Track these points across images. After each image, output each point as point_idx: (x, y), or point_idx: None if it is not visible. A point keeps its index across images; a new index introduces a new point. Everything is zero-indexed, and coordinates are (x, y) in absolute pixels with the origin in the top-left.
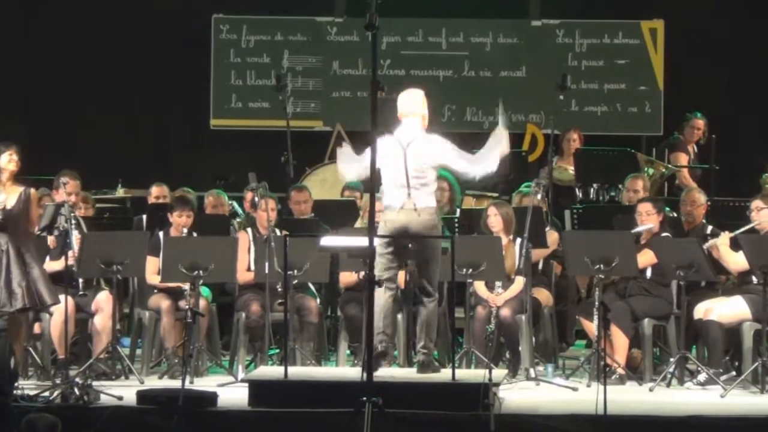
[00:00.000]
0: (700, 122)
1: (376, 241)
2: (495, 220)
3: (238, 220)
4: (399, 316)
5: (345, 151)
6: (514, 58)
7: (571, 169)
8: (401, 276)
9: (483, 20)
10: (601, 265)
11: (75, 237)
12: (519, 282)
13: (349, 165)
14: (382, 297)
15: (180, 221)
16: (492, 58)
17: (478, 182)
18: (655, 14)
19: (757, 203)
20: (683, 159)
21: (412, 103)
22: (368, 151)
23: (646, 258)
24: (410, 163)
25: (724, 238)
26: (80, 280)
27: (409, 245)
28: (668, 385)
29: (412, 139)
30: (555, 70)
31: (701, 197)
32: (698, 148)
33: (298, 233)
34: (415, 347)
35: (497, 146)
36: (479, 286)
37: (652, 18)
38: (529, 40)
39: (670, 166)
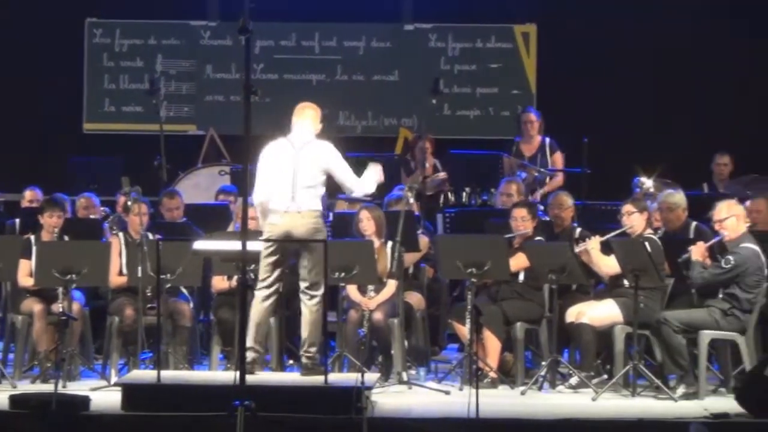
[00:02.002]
0: (528, 116)
1: (260, 246)
2: (367, 224)
3: (108, 221)
4: (272, 320)
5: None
6: (386, 62)
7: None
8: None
9: (356, 24)
10: (474, 269)
11: None
12: (391, 285)
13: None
14: (258, 305)
15: (51, 222)
16: (365, 62)
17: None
18: (528, 18)
19: (627, 207)
20: (506, 162)
21: (310, 109)
22: (258, 169)
23: (518, 261)
24: (300, 166)
25: (595, 242)
26: None
27: (295, 249)
28: (540, 388)
29: (305, 143)
30: (428, 74)
31: (568, 200)
32: (550, 141)
33: (170, 237)
34: (298, 350)
35: (374, 175)
36: (351, 290)
37: (525, 22)
38: (402, 44)
39: (542, 170)
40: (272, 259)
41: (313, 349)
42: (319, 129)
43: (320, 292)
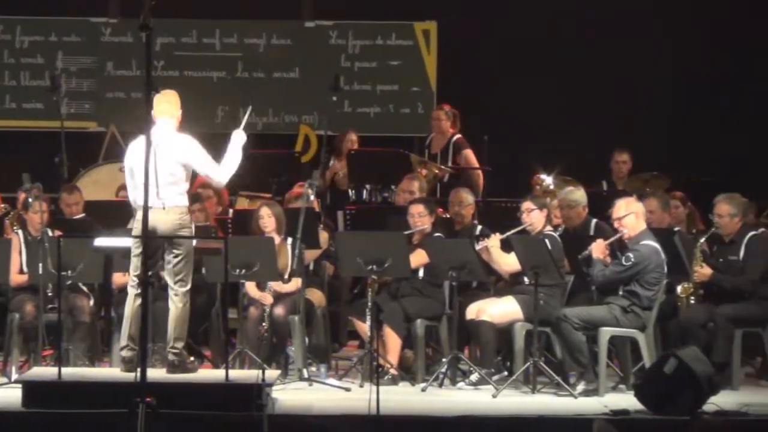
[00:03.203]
0: (435, 113)
1: (130, 242)
2: (268, 220)
3: (8, 218)
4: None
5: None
6: (287, 59)
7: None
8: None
9: (256, 21)
10: (374, 266)
11: None
12: (292, 282)
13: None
14: (132, 304)
15: None
16: (265, 59)
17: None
18: (428, 16)
19: (527, 204)
20: (413, 158)
21: (166, 104)
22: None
23: (418, 258)
24: (160, 162)
25: (495, 240)
26: None
27: (166, 245)
28: (441, 385)
29: (162, 139)
30: (328, 72)
31: (468, 197)
32: (457, 140)
33: (71, 234)
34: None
35: (236, 147)
36: (250, 287)
37: (425, 19)
38: (303, 41)
39: (443, 167)
40: (140, 257)
41: (179, 345)
42: (179, 115)
43: (186, 288)
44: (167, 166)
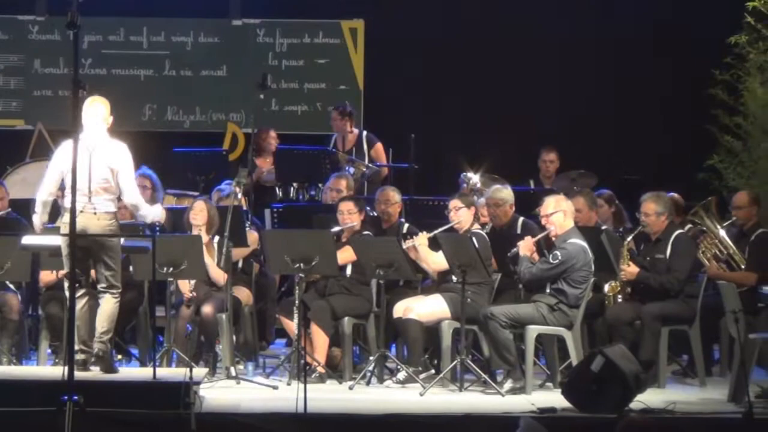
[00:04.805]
0: (334, 113)
1: (61, 243)
2: (200, 214)
3: None
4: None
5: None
6: (214, 57)
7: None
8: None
9: (184, 19)
10: (301, 264)
11: None
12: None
13: (40, 188)
14: (77, 306)
15: None
16: (193, 57)
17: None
18: (356, 14)
19: (455, 202)
20: (341, 157)
21: (100, 105)
22: (51, 167)
23: (346, 256)
24: (94, 167)
25: (423, 238)
26: None
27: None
28: (368, 383)
29: (97, 144)
30: (256, 70)
31: (395, 195)
32: (367, 135)
33: None
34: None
35: (153, 212)
36: (182, 283)
37: (353, 18)
38: (230, 39)
39: (371, 165)
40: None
41: (105, 337)
42: (110, 122)
43: (119, 290)
44: (101, 171)
